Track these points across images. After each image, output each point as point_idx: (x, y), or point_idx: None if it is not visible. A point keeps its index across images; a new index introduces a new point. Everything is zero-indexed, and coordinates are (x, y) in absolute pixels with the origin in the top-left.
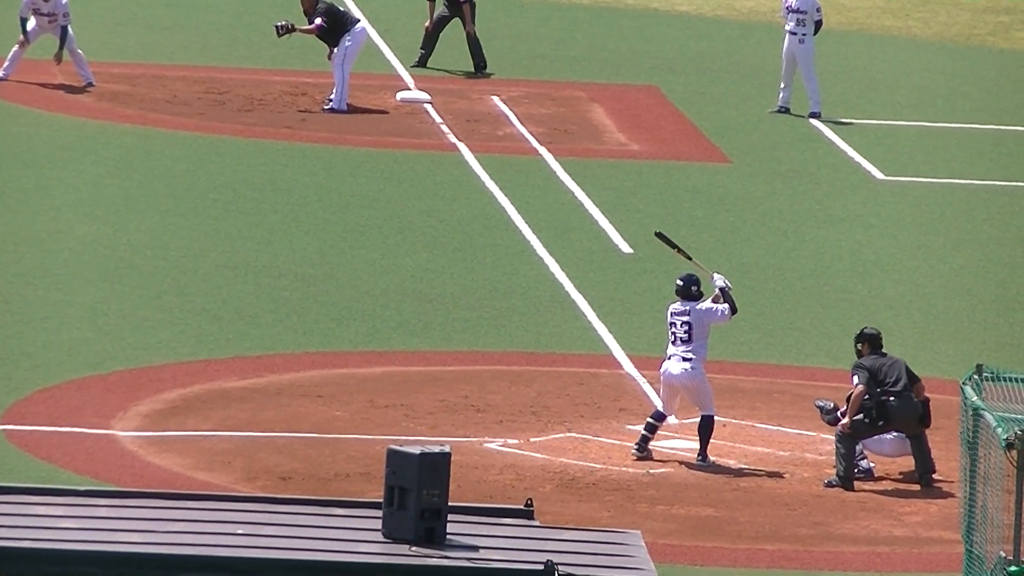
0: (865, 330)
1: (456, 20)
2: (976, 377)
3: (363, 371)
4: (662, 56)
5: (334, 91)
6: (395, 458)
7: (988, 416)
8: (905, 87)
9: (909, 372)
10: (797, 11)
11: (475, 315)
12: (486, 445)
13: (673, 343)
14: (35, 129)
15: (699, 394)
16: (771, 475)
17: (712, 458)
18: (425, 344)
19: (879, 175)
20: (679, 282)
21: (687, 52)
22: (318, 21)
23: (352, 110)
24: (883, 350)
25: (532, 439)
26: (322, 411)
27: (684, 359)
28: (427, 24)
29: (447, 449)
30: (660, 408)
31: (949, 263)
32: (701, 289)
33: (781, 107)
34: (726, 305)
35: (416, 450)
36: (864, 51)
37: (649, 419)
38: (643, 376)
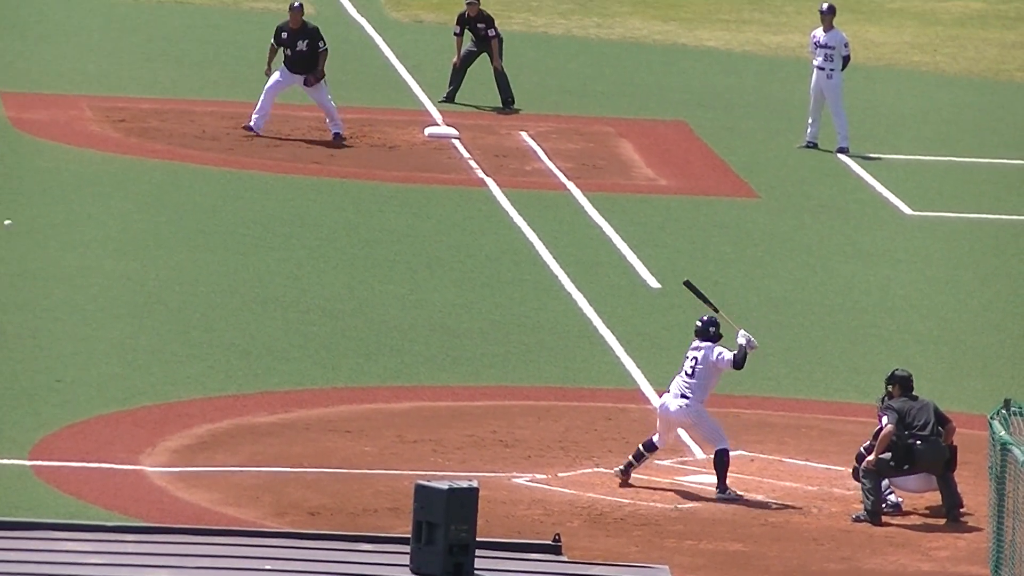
0: (896, 372)
1: (484, 56)
2: (1004, 412)
3: (391, 406)
4: (690, 91)
5: (331, 121)
6: (423, 493)
7: (1016, 451)
8: (933, 122)
9: (939, 415)
10: (825, 46)
11: (503, 350)
12: (514, 480)
13: (679, 374)
14: (64, 164)
15: (701, 428)
16: (799, 510)
17: (733, 490)
18: (453, 379)
19: (907, 210)
20: (698, 323)
21: (715, 87)
22: (323, 47)
23: (376, 144)
24: (914, 392)
25: (560, 474)
26: (351, 446)
27: (682, 395)
28: (455, 60)
29: (475, 484)
30: (654, 439)
31: (977, 298)
32: (720, 331)
33: (809, 142)
34: (732, 355)
35: (444, 485)
36: (892, 86)
37: (640, 447)
38: None
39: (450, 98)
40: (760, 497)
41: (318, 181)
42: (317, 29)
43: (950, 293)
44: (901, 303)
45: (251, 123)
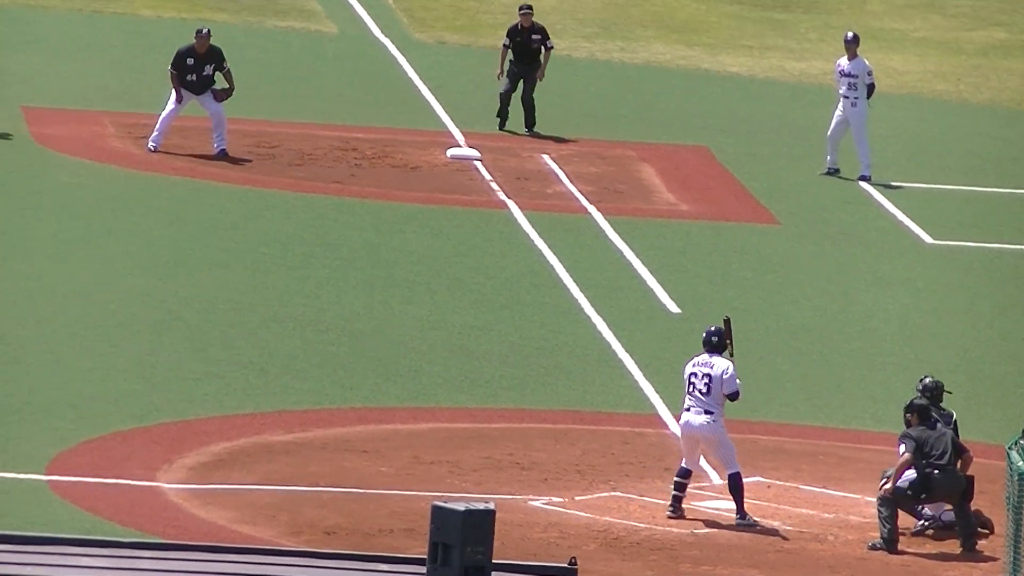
0: (915, 401)
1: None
2: (1022, 442)
3: (409, 427)
4: (712, 116)
5: (219, 135)
6: (439, 514)
7: None
8: (955, 151)
9: (956, 445)
10: (849, 75)
11: (521, 373)
12: (530, 503)
13: (690, 394)
14: (85, 180)
15: (721, 447)
16: (815, 537)
17: (752, 517)
18: (471, 401)
19: (928, 239)
20: (705, 335)
21: (737, 113)
22: (227, 66)
23: (397, 164)
24: (932, 420)
25: (576, 497)
26: (367, 466)
27: (706, 412)
28: (498, 72)
29: (491, 506)
30: (683, 464)
31: (996, 328)
32: (723, 341)
33: (830, 169)
34: (736, 387)
35: (460, 507)
36: (915, 115)
37: (676, 478)
38: None
39: (503, 125)
40: (776, 524)
41: (339, 200)
42: (220, 50)
43: (969, 322)
44: (920, 332)
45: (150, 144)
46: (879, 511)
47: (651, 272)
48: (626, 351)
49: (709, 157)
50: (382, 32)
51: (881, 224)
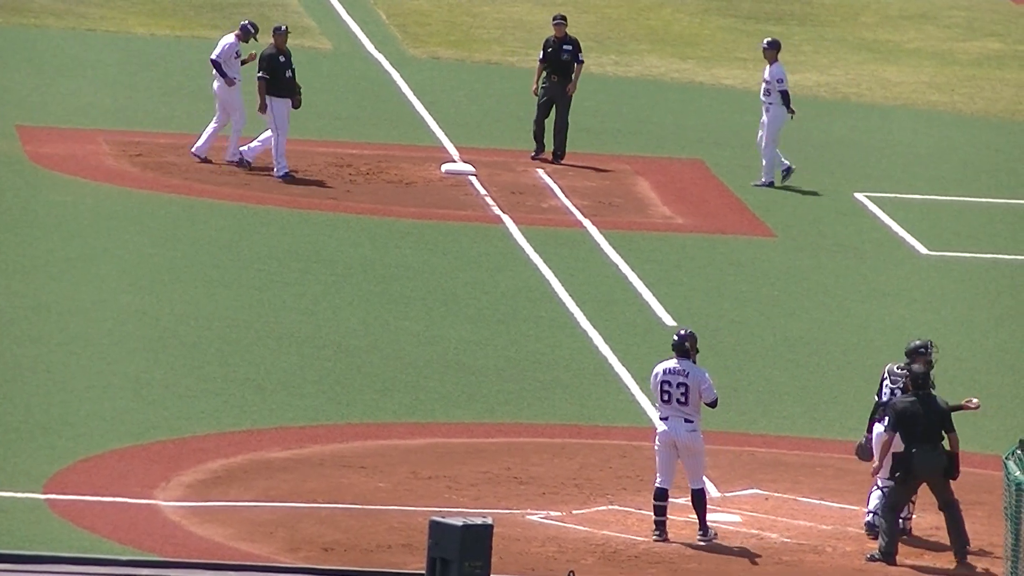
0: (913, 367)
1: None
2: (1019, 452)
3: (406, 442)
4: (707, 129)
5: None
6: (437, 529)
7: None
8: (950, 162)
9: (945, 421)
10: (766, 81)
11: (518, 387)
12: (528, 517)
13: (666, 403)
14: (80, 198)
15: (697, 457)
16: (813, 549)
17: (714, 532)
18: (468, 416)
19: (923, 250)
20: (675, 338)
21: (732, 125)
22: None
23: (392, 180)
24: (928, 391)
25: (574, 511)
26: (365, 482)
27: (686, 420)
28: (533, 88)
29: (489, 521)
30: (658, 484)
31: (993, 338)
32: (696, 346)
33: (784, 168)
34: (714, 395)
35: (458, 522)
36: (909, 126)
37: (655, 502)
38: None
39: (538, 153)
40: (774, 536)
41: (334, 217)
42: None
43: (965, 333)
44: None
45: (282, 172)
46: (880, 523)
47: (647, 285)
48: (622, 364)
49: (704, 170)
50: (376, 48)
51: (876, 235)
